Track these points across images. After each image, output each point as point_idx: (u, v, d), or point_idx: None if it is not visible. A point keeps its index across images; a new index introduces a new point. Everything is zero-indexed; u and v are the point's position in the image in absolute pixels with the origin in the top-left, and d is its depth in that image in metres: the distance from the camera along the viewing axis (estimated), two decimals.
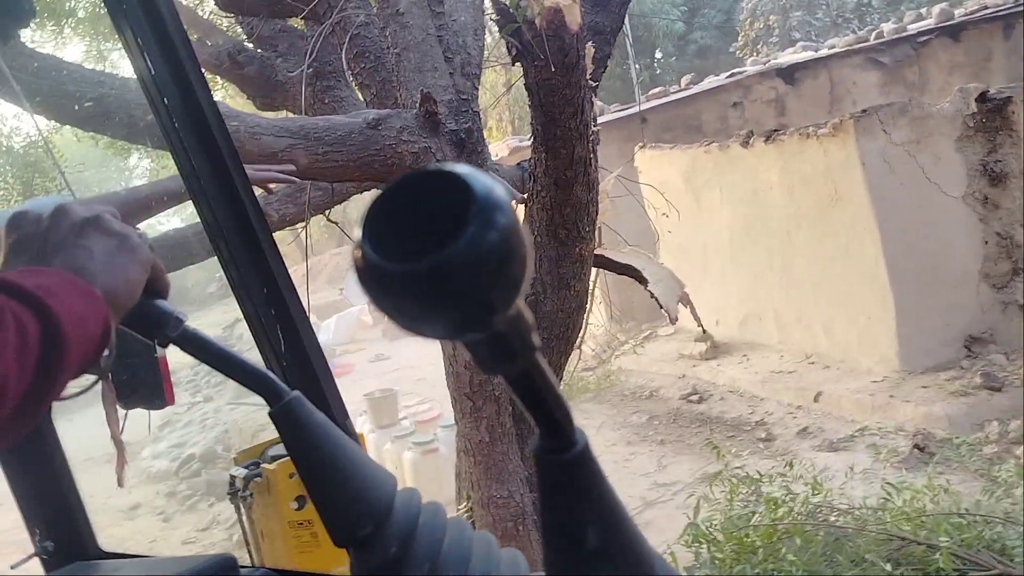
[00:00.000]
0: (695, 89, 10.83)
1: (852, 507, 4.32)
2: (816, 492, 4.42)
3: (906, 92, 10.41)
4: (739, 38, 20.42)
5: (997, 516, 3.97)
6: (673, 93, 10.86)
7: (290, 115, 3.69)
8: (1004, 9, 10.70)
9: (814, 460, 5.78)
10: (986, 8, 10.90)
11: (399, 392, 7.71)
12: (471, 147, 2.80)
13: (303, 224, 3.33)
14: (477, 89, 3.02)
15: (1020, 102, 6.55)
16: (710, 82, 11.02)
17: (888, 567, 3.57)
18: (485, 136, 3.10)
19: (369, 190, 3.04)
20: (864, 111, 6.62)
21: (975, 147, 6.64)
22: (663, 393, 8.20)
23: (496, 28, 2.42)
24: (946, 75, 10.61)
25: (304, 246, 3.18)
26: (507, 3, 2.18)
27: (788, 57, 11.90)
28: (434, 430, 6.58)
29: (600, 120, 9.58)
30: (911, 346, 6.61)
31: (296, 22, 3.83)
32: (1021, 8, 10.53)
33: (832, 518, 4.22)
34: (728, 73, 11.27)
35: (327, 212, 3.44)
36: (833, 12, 19.42)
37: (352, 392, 8.78)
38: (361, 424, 7.34)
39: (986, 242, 6.70)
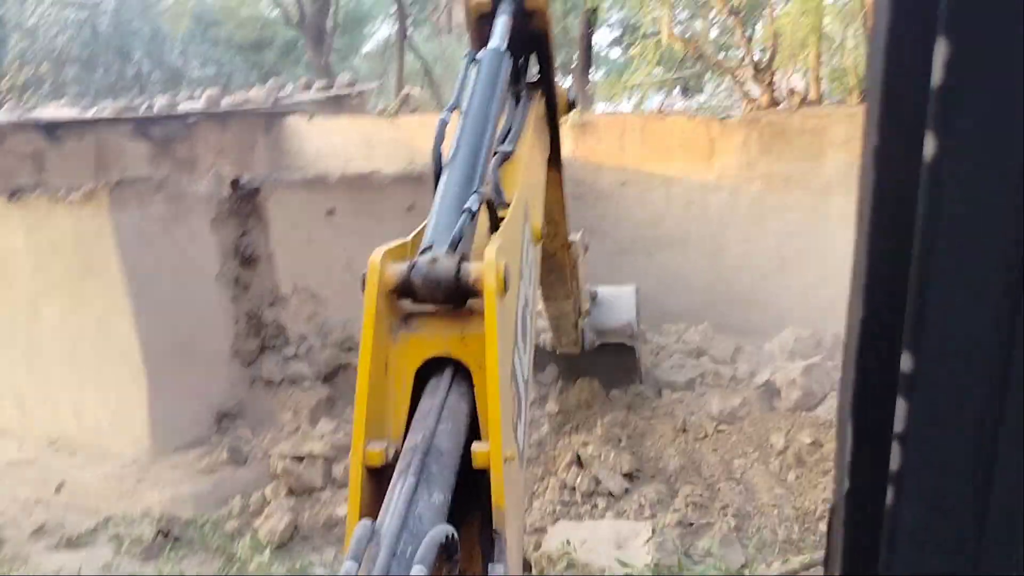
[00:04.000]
0: None
1: None
2: None
3: (176, 167, 10.57)
4: (4, 82, 18.26)
5: None
6: None
7: None
8: (265, 108, 11.85)
9: (48, 562, 5.12)
10: (250, 102, 11.91)
11: None
12: None
13: None
14: None
15: (269, 191, 7.14)
16: None
17: None
18: None
19: None
20: (119, 182, 6.35)
21: (228, 229, 6.96)
22: None
23: None
24: (215, 156, 11.13)
25: None
26: None
27: (52, 112, 10.98)
28: None
29: None
30: (164, 425, 6.45)
31: None
32: (280, 111, 11.81)
33: None
34: None
35: None
36: (113, 76, 18.91)
37: None
38: None
39: (237, 321, 7.03)
